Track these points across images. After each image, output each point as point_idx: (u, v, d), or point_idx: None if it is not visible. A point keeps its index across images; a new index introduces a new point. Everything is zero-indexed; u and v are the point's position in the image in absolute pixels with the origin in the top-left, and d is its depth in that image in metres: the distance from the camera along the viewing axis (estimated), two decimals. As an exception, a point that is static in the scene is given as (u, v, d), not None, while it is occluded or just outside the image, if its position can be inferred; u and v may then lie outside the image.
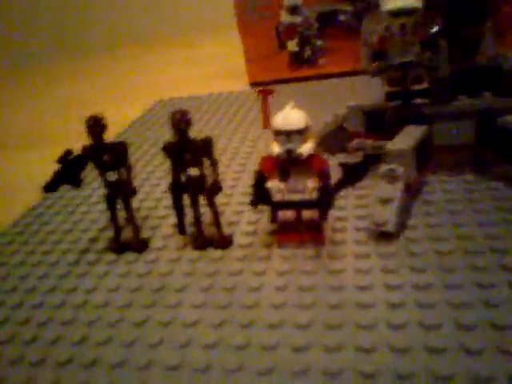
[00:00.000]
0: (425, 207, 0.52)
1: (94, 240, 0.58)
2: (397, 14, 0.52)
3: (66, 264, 0.54)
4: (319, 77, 1.09)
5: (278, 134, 0.45)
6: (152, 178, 0.73)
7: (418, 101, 0.56)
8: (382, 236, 0.48)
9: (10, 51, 2.29)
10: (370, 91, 0.60)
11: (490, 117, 0.54)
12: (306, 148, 0.45)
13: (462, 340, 0.35)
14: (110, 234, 0.57)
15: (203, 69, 1.49)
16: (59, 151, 0.50)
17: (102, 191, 0.54)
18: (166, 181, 0.71)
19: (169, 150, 0.49)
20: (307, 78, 1.09)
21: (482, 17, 0.54)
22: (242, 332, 0.40)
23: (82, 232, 0.60)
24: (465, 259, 0.44)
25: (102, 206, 0.66)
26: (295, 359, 0.36)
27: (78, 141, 0.51)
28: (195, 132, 0.51)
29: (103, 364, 0.39)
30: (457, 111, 0.56)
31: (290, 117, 0.45)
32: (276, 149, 0.45)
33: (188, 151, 0.48)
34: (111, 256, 0.54)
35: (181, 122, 0.47)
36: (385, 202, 0.48)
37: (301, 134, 0.44)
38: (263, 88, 0.70)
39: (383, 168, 0.50)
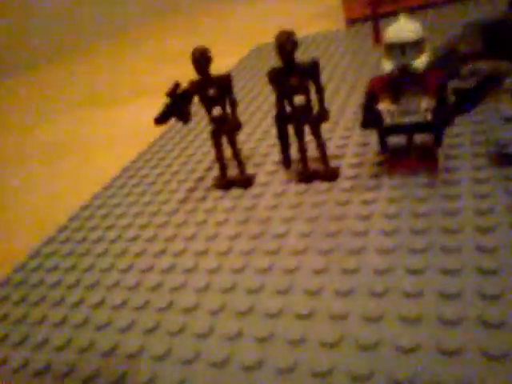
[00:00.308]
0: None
1: (201, 179, 0.60)
2: None
3: (176, 201, 0.56)
4: (419, 7, 1.00)
5: (391, 47, 0.42)
6: (253, 119, 0.73)
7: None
8: (505, 159, 0.44)
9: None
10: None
11: None
12: (422, 62, 0.41)
13: None
14: (215, 172, 0.58)
15: (298, 10, 1.45)
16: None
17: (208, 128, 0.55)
18: (267, 122, 0.71)
19: (274, 75, 0.48)
20: (411, 9, 1.01)
21: None
22: (351, 258, 0.39)
23: (189, 173, 0.62)
24: None
25: (207, 146, 0.68)
26: (410, 282, 0.35)
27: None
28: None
29: (215, 289, 0.40)
30: None
31: (403, 28, 0.41)
32: (388, 65, 0.42)
33: (294, 76, 0.46)
34: (218, 192, 0.55)
35: (287, 43, 0.45)
36: (509, 120, 0.43)
37: (416, 46, 0.41)
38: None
39: (509, 82, 0.45)
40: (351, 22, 1.08)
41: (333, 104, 0.69)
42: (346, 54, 0.90)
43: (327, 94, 0.71)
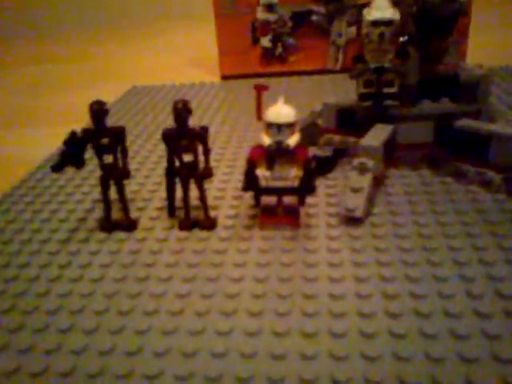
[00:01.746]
0: (387, 197, 0.59)
1: (83, 220, 0.62)
2: (376, 23, 0.57)
3: (56, 241, 0.57)
4: (289, 73, 1.15)
5: (270, 126, 0.50)
6: (133, 163, 0.77)
7: (389, 102, 0.62)
8: (351, 220, 0.55)
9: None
10: (337, 89, 0.65)
11: (447, 120, 0.61)
12: (294, 140, 0.50)
13: (420, 325, 0.42)
14: (98, 214, 0.61)
15: (176, 57, 1.52)
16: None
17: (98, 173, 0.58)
18: (146, 166, 0.75)
19: (167, 136, 0.54)
20: (277, 74, 1.15)
21: (447, 32, 0.60)
22: (230, 301, 0.45)
23: (70, 212, 0.64)
24: (419, 241, 0.51)
25: (89, 188, 0.70)
26: (279, 323, 0.42)
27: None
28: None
29: (103, 330, 0.44)
30: (420, 113, 0.62)
31: (281, 111, 0.50)
32: (267, 140, 0.51)
33: (185, 138, 0.53)
34: (102, 235, 0.58)
35: (182, 110, 0.52)
36: (355, 190, 0.54)
37: (290, 127, 0.50)
38: (259, 83, 0.75)
39: (355, 161, 0.56)
40: (226, 77, 1.18)
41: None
42: (220, 109, 0.99)
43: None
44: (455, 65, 0.61)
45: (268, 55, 1.15)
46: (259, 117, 0.75)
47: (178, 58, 1.52)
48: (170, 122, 0.53)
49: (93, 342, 0.42)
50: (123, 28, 2.16)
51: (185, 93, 1.12)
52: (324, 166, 0.67)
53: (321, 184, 0.64)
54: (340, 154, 0.71)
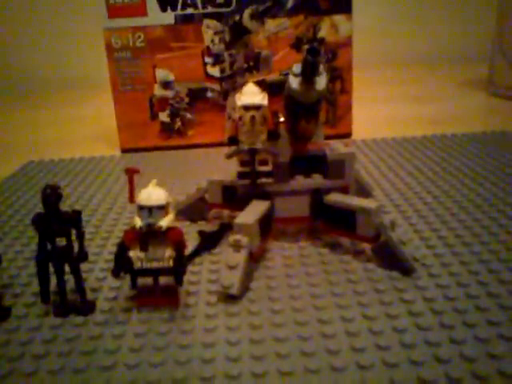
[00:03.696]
0: (266, 271, 0.61)
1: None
2: (247, 108, 0.62)
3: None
4: (187, 146, 1.18)
5: (142, 208, 0.51)
6: (16, 244, 0.74)
7: (263, 180, 0.65)
8: (228, 297, 0.56)
9: None
10: (232, 163, 0.67)
11: (320, 194, 0.66)
12: (165, 221, 0.52)
13: (283, 385, 0.43)
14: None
15: (77, 130, 1.51)
16: None
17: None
18: (30, 247, 0.73)
19: (38, 222, 0.53)
20: (176, 147, 1.18)
21: (314, 114, 0.65)
22: (97, 392, 0.44)
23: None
24: (292, 316, 0.53)
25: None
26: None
27: None
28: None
29: None
30: (293, 189, 0.66)
31: (152, 194, 0.51)
32: (138, 222, 0.51)
33: (56, 223, 0.52)
34: (-30, 326, 0.55)
35: (51, 196, 0.51)
36: (231, 268, 0.56)
37: (161, 209, 0.51)
38: (130, 167, 0.77)
39: (230, 238, 0.58)
40: (125, 151, 1.19)
41: (97, 233, 0.75)
42: (116, 182, 0.99)
43: (92, 226, 0.78)
44: (323, 144, 0.67)
45: (167, 129, 1.18)
46: (131, 199, 0.78)
47: (79, 130, 1.51)
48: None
49: None
50: (24, 97, 2.13)
51: (82, 167, 1.11)
52: (209, 242, 0.68)
53: (205, 260, 0.65)
54: (227, 229, 0.73)
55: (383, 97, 1.68)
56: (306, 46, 0.57)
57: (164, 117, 1.17)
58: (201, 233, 0.70)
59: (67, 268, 0.55)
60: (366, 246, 0.64)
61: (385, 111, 1.48)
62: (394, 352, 0.46)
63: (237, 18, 1.12)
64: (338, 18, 1.12)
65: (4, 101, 2.10)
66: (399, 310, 0.53)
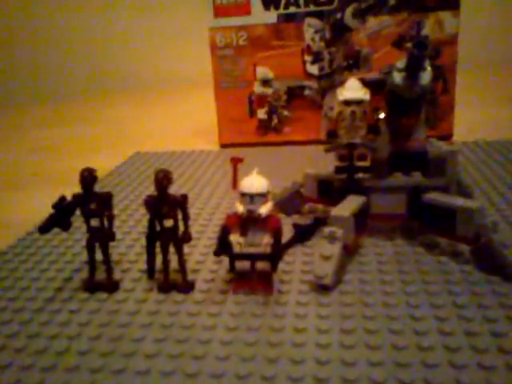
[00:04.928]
0: (359, 266, 0.62)
1: (69, 279, 0.65)
2: (348, 103, 0.62)
3: (41, 300, 0.60)
4: (283, 143, 1.21)
5: (243, 195, 0.54)
6: (124, 226, 0.81)
7: (361, 175, 0.65)
8: (321, 288, 0.57)
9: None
10: (327, 160, 0.68)
11: (418, 193, 0.65)
12: (265, 209, 0.54)
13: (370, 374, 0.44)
14: (84, 274, 0.64)
15: (180, 125, 1.60)
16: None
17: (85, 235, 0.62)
18: (137, 229, 0.79)
19: (149, 203, 0.58)
20: (272, 144, 1.21)
21: (416, 111, 0.64)
22: (195, 363, 0.47)
23: (58, 272, 0.67)
24: (384, 311, 0.53)
25: (80, 248, 0.73)
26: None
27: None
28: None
29: (74, 386, 0.45)
30: (391, 186, 0.66)
31: (254, 182, 0.54)
32: (240, 208, 0.54)
33: (165, 205, 0.57)
34: (84, 295, 0.61)
35: (163, 179, 0.56)
36: (325, 258, 0.57)
37: (262, 197, 0.54)
38: (234, 156, 0.80)
39: (326, 229, 0.59)
40: (224, 146, 1.24)
41: (198, 220, 0.80)
42: (215, 174, 1.04)
43: (193, 214, 0.82)
44: (424, 141, 0.65)
45: (264, 126, 1.21)
46: (234, 187, 0.81)
47: (181, 125, 1.60)
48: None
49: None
50: (134, 92, 2.28)
51: (184, 159, 1.18)
52: (303, 234, 0.70)
53: (298, 251, 0.67)
54: (320, 223, 0.74)
55: (489, 98, 1.60)
56: (408, 44, 0.57)
57: (262, 114, 1.21)
58: (295, 225, 0.72)
59: (172, 249, 0.60)
60: (465, 248, 0.62)
61: (490, 112, 1.40)
62: (491, 356, 0.45)
63: (338, 16, 1.12)
64: (444, 15, 1.08)
65: (115, 98, 2.27)
66: (497, 314, 0.51)
